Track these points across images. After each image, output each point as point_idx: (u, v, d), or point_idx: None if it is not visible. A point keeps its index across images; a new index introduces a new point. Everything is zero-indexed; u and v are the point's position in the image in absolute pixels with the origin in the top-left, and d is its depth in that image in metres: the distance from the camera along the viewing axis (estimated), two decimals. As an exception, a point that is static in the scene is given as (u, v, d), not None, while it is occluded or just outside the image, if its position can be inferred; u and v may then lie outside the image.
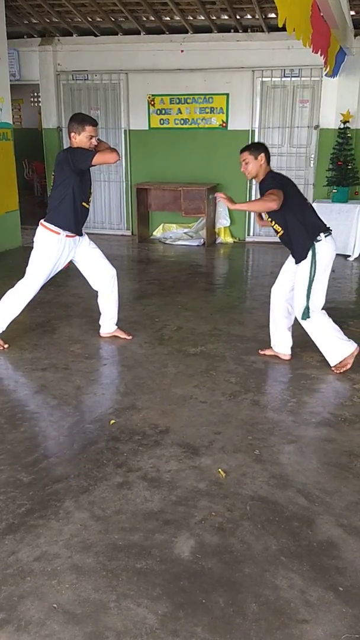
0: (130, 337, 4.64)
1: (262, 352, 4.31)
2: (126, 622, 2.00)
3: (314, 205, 7.51)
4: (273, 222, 3.92)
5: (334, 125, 8.05)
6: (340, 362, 4.00)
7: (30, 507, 2.59)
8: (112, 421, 3.35)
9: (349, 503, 2.64)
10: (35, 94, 12.18)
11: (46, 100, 9.16)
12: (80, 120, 4.03)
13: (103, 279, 4.47)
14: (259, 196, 3.88)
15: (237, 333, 4.81)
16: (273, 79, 8.31)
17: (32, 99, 12.92)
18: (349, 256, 7.62)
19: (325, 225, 3.89)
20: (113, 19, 8.36)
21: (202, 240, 8.60)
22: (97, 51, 8.72)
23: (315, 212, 3.94)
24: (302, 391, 3.77)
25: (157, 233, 9.16)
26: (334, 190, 7.78)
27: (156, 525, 2.48)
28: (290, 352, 4.24)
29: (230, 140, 8.53)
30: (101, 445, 3.10)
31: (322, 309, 3.96)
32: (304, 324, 3.95)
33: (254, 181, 8.47)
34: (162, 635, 1.95)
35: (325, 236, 3.83)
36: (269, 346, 4.31)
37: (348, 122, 7.76)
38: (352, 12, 6.94)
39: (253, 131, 8.53)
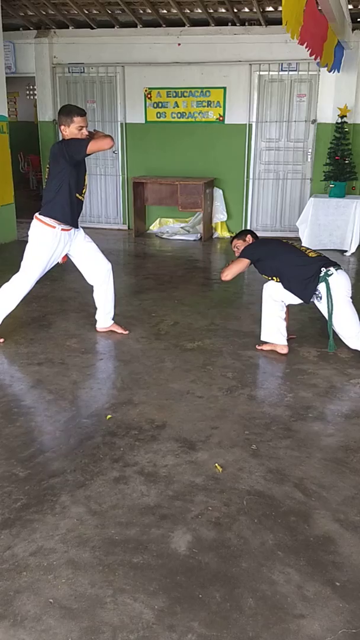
0: (126, 332, 4.62)
1: (259, 348, 4.30)
2: (122, 617, 2.00)
3: (312, 200, 7.61)
4: (267, 277, 4.22)
5: (331, 120, 8.03)
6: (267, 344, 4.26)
7: (26, 501, 2.58)
8: (109, 416, 3.34)
9: (346, 498, 2.64)
10: (31, 87, 12.13)
11: (42, 93, 9.10)
12: (67, 112, 3.98)
13: (98, 273, 4.45)
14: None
15: (234, 328, 4.80)
16: (270, 73, 8.29)
17: (27, 92, 12.85)
18: (346, 251, 7.61)
19: (332, 261, 4.05)
20: (110, 12, 8.31)
21: (199, 235, 8.58)
22: (94, 44, 8.67)
23: (308, 256, 4.07)
24: (299, 386, 3.76)
25: (154, 227, 9.14)
26: (331, 185, 7.76)
27: (153, 520, 2.47)
28: (287, 344, 4.24)
29: (228, 134, 8.52)
30: (97, 440, 3.09)
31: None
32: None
33: (251, 173, 8.60)
34: (159, 630, 1.94)
35: (336, 269, 3.96)
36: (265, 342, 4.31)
37: (345, 116, 7.75)
38: (350, 6, 6.91)
39: (250, 125, 8.50)
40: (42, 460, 2.90)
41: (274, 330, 4.23)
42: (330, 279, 3.91)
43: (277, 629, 1.96)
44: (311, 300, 4.04)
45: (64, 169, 4.00)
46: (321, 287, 3.95)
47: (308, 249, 4.21)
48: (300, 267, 3.98)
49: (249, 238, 4.31)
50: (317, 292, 3.99)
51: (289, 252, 4.10)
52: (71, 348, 4.35)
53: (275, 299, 4.15)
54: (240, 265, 4.14)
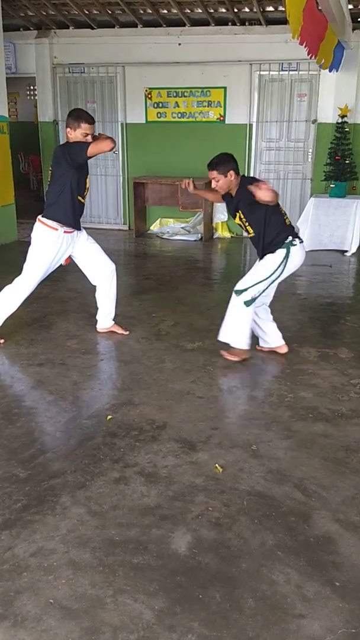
0: (127, 333, 4.63)
1: (259, 348, 4.30)
2: (123, 617, 2.00)
3: (312, 200, 7.61)
4: (247, 223, 3.93)
5: (331, 120, 8.03)
6: (230, 351, 4.08)
7: (26, 502, 2.59)
8: (109, 417, 3.35)
9: (346, 498, 2.65)
10: (32, 87, 12.12)
11: (42, 93, 9.11)
12: (76, 116, 4.00)
13: (102, 273, 4.46)
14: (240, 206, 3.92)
15: (234, 328, 4.80)
16: (271, 73, 8.29)
17: (28, 92, 12.85)
18: (347, 251, 7.61)
19: (295, 231, 3.99)
20: (110, 12, 8.31)
21: (199, 235, 8.58)
22: (94, 44, 8.67)
23: (283, 218, 3.96)
24: (299, 386, 3.77)
25: (154, 228, 9.14)
26: (331, 185, 7.76)
27: (153, 520, 2.48)
28: (284, 342, 4.25)
29: (228, 134, 8.51)
30: (98, 440, 3.10)
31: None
32: (235, 300, 3.94)
33: (252, 173, 8.59)
34: (159, 631, 1.95)
35: (300, 242, 3.92)
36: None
37: (346, 116, 7.74)
38: (350, 6, 6.91)
39: (251, 125, 8.50)
40: (43, 461, 2.90)
41: (275, 337, 4.23)
42: (292, 248, 3.87)
43: (277, 629, 1.96)
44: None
45: (66, 171, 4.01)
46: (280, 251, 3.86)
47: (286, 214, 4.04)
48: (280, 230, 3.87)
49: (230, 175, 3.79)
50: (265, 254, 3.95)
51: (279, 212, 3.93)
52: (72, 349, 4.36)
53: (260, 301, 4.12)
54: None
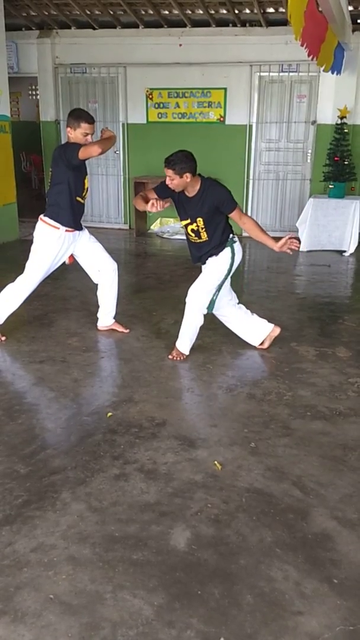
0: (127, 331, 4.65)
1: (259, 346, 4.32)
2: (122, 613, 2.01)
3: (311, 200, 7.64)
4: (203, 230, 3.88)
5: (331, 121, 8.05)
6: (177, 351, 4.16)
7: (27, 498, 2.60)
8: (109, 414, 3.36)
9: (344, 496, 2.66)
10: (33, 87, 12.13)
11: (44, 93, 9.12)
12: (76, 116, 4.01)
13: (104, 272, 4.47)
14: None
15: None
16: (271, 74, 8.30)
17: (30, 92, 12.85)
18: (345, 251, 7.63)
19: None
20: (112, 12, 8.33)
21: (199, 234, 8.59)
22: (96, 44, 8.68)
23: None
24: (298, 385, 3.78)
25: (155, 227, 9.16)
26: (330, 186, 7.78)
27: (152, 516, 2.49)
28: (272, 325, 4.31)
29: (228, 134, 8.53)
30: (98, 437, 3.11)
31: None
32: (194, 312, 4.02)
33: (251, 174, 8.61)
34: (158, 626, 1.96)
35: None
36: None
37: (345, 117, 7.76)
38: (351, 7, 6.92)
39: (250, 126, 8.52)
40: (43, 457, 2.92)
41: (262, 327, 4.28)
42: (235, 245, 3.93)
43: (275, 625, 1.98)
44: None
45: (64, 173, 4.04)
46: (225, 251, 3.91)
47: None
48: (224, 230, 3.92)
49: (186, 177, 3.68)
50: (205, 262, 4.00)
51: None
52: (72, 346, 4.37)
53: (229, 305, 4.19)
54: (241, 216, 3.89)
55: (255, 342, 4.30)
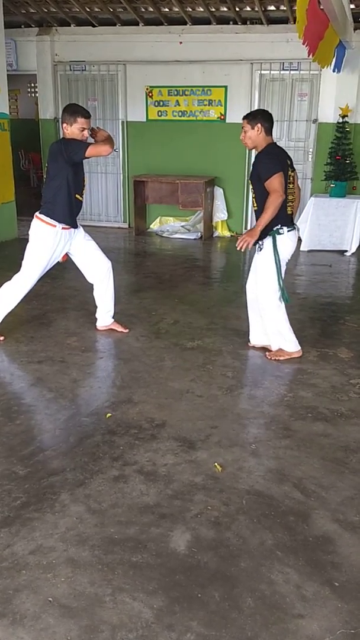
0: (126, 331, 4.63)
1: (251, 345, 4.30)
2: (122, 616, 2.00)
3: (312, 199, 7.61)
4: (254, 195, 3.93)
5: (332, 120, 8.02)
6: (276, 351, 4.14)
7: (25, 500, 2.59)
8: (108, 414, 3.35)
9: (345, 498, 2.65)
10: (33, 85, 12.10)
11: (43, 90, 9.09)
12: (72, 111, 4.00)
13: (98, 271, 4.45)
14: (252, 195, 3.99)
15: (233, 327, 4.80)
16: (272, 72, 8.27)
17: (29, 90, 12.83)
18: (346, 251, 7.61)
19: (289, 218, 3.93)
20: (111, 9, 8.30)
21: (199, 233, 8.57)
22: (95, 42, 8.65)
23: (286, 203, 3.87)
24: (299, 386, 3.77)
25: (154, 226, 9.13)
26: (332, 185, 7.75)
27: (152, 519, 2.48)
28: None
29: (229, 133, 8.49)
30: (97, 438, 3.10)
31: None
32: (270, 311, 4.00)
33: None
34: (158, 630, 1.95)
35: (288, 230, 3.90)
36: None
37: (347, 116, 7.73)
38: (352, 5, 6.90)
39: (251, 124, 8.48)
40: (42, 459, 2.90)
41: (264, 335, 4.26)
42: (278, 237, 3.86)
43: (276, 628, 1.96)
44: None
45: (63, 168, 4.01)
46: (267, 241, 3.88)
47: (293, 196, 3.94)
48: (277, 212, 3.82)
49: (258, 129, 3.79)
50: (260, 243, 3.92)
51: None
52: (71, 346, 4.35)
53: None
54: (279, 183, 3.69)
55: (262, 341, 4.27)
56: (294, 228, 3.97)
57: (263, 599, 2.08)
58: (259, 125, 3.80)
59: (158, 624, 1.97)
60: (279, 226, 3.85)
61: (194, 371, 3.97)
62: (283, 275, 3.97)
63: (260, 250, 3.93)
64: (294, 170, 3.94)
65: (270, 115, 3.90)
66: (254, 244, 3.88)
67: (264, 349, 4.25)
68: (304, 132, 8.42)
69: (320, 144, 8.21)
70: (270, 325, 4.10)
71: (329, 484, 2.74)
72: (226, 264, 7.66)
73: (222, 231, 8.80)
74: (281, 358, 4.12)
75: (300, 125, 8.40)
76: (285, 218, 3.88)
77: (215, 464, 2.88)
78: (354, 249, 7.58)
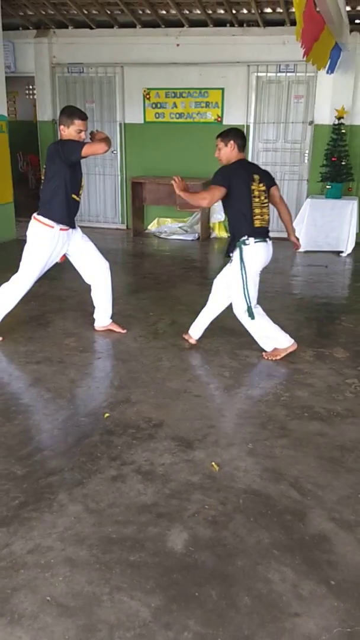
0: (124, 331, 4.64)
1: (185, 336, 4.40)
2: (119, 615, 2.01)
3: (308, 201, 7.63)
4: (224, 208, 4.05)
5: (328, 121, 8.04)
6: (272, 352, 4.15)
7: (24, 499, 2.59)
8: (106, 414, 3.36)
9: (341, 497, 2.66)
10: (31, 87, 12.12)
11: (41, 92, 9.10)
12: (69, 113, 4.02)
13: (96, 272, 4.46)
14: None
15: (230, 327, 4.79)
16: (268, 74, 8.29)
17: (27, 92, 12.84)
18: (342, 252, 7.63)
19: (257, 230, 3.93)
20: (109, 12, 8.31)
21: (196, 234, 8.59)
22: (93, 44, 8.67)
23: (252, 215, 3.92)
24: (295, 385, 3.78)
25: (152, 227, 9.15)
26: (327, 186, 7.78)
27: (150, 518, 2.49)
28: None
29: (226, 134, 8.51)
30: (95, 438, 3.11)
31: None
32: (248, 321, 4.06)
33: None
34: (155, 628, 1.96)
35: (255, 242, 3.91)
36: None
37: (342, 118, 7.75)
38: (348, 8, 6.93)
39: (248, 126, 8.50)
40: (40, 459, 2.91)
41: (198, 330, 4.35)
42: (244, 247, 3.89)
43: (273, 627, 1.98)
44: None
45: (61, 169, 4.02)
46: (235, 252, 3.94)
47: (263, 209, 3.95)
48: (236, 227, 3.95)
49: (230, 145, 3.91)
50: (230, 255, 4.01)
51: (245, 206, 3.90)
52: (69, 347, 4.36)
53: (223, 294, 4.21)
54: (215, 193, 3.83)
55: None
56: (264, 240, 3.96)
57: (260, 598, 2.09)
58: (232, 142, 3.90)
59: (155, 622, 1.98)
60: (245, 237, 3.90)
61: (191, 371, 3.98)
62: (256, 285, 4.00)
63: (231, 262, 4.02)
64: (268, 184, 4.02)
65: (243, 133, 4.03)
66: (226, 256, 4.02)
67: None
68: (300, 134, 8.45)
69: (316, 146, 8.24)
70: (255, 332, 4.13)
71: (325, 483, 2.76)
72: (223, 265, 7.64)
73: (219, 232, 8.81)
74: (278, 357, 4.13)
75: (297, 127, 8.43)
76: (252, 229, 3.91)
77: (213, 463, 2.89)
78: (349, 250, 7.60)
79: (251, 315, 3.98)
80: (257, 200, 3.91)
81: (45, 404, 3.52)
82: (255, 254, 3.93)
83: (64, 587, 2.12)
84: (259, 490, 2.69)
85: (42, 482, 2.72)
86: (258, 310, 4.04)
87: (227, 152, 3.93)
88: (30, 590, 2.10)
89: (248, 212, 3.87)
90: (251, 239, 3.90)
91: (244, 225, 3.89)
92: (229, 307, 4.16)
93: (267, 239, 3.99)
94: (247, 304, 3.95)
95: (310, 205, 7.63)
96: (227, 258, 4.08)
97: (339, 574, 2.21)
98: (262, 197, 3.94)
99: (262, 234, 3.95)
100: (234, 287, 4.00)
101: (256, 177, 3.93)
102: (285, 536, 2.40)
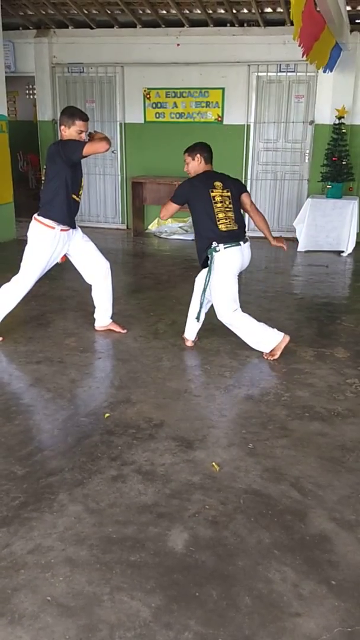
0: (125, 331, 4.64)
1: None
2: (120, 615, 2.01)
3: (309, 200, 7.63)
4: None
5: (329, 121, 8.04)
6: (270, 352, 4.14)
7: (24, 500, 2.59)
8: (107, 415, 3.36)
9: (342, 497, 2.66)
10: (31, 86, 12.11)
11: (41, 92, 9.11)
12: (70, 114, 4.03)
13: (96, 272, 4.47)
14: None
15: (231, 328, 4.81)
16: (269, 74, 8.29)
17: (27, 91, 12.83)
18: (343, 252, 7.63)
19: (224, 234, 3.96)
20: (109, 12, 8.32)
21: (196, 234, 8.59)
22: (93, 44, 8.67)
23: (216, 219, 3.97)
24: (296, 385, 3.78)
25: (152, 227, 9.15)
26: (328, 186, 7.78)
27: (150, 518, 2.49)
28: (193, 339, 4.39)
29: (226, 134, 8.52)
30: (95, 438, 3.10)
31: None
32: (234, 325, 4.12)
33: (249, 174, 8.61)
34: (156, 628, 1.96)
35: (225, 247, 3.95)
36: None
37: (343, 117, 7.75)
38: (349, 7, 6.92)
39: (248, 126, 8.51)
40: (40, 459, 2.91)
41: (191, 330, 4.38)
42: (215, 254, 3.94)
43: (273, 627, 1.97)
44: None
45: (61, 169, 4.02)
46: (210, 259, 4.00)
47: (227, 214, 4.00)
48: (202, 236, 4.05)
49: (197, 159, 4.12)
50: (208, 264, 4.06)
51: (205, 214, 4.00)
52: (70, 347, 4.36)
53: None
54: (169, 209, 4.16)
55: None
56: (237, 244, 3.98)
57: (260, 598, 2.09)
58: (199, 155, 4.11)
59: (156, 622, 1.98)
60: (214, 244, 3.94)
61: (191, 371, 3.98)
62: (235, 286, 4.05)
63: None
64: (237, 191, 4.15)
65: (209, 146, 4.20)
66: (202, 267, 4.12)
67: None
68: (301, 134, 8.44)
69: (317, 146, 8.24)
70: (245, 337, 4.12)
71: (325, 483, 2.76)
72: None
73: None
74: (276, 356, 4.12)
75: (297, 126, 8.43)
76: (218, 234, 3.95)
77: (213, 463, 2.89)
78: (350, 250, 7.60)
79: (197, 316, 4.16)
80: (219, 205, 4.00)
81: (46, 404, 3.52)
82: (228, 259, 3.97)
83: (65, 587, 2.12)
84: (259, 490, 2.69)
85: (43, 482, 2.72)
86: (238, 313, 4.07)
87: (195, 166, 4.13)
88: (30, 590, 2.10)
89: (212, 216, 3.97)
90: (221, 245, 3.94)
91: (209, 230, 3.96)
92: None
93: (241, 242, 4.01)
94: (198, 308, 4.14)
95: (310, 205, 7.64)
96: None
97: (340, 573, 2.21)
98: (227, 202, 4.03)
99: (231, 238, 3.98)
100: (213, 293, 4.05)
101: (217, 184, 4.06)
102: (285, 536, 2.40)
